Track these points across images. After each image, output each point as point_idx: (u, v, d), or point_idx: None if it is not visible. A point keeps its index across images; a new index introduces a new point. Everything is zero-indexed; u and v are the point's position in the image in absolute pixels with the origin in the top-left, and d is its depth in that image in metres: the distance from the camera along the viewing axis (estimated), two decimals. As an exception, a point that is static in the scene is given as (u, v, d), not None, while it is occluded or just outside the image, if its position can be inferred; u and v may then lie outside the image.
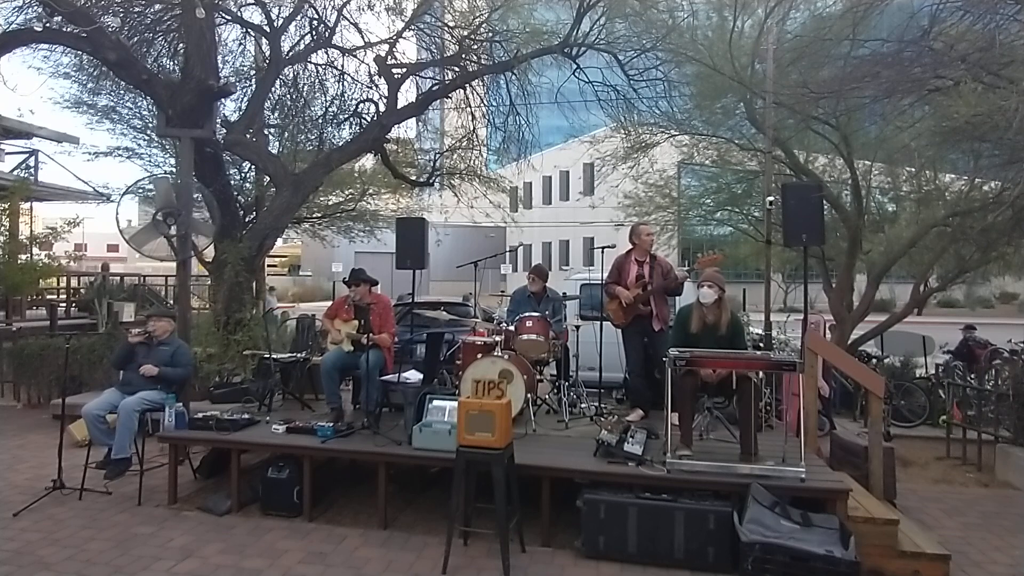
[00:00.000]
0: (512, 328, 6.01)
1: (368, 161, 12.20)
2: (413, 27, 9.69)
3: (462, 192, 11.79)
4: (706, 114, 9.73)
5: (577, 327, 6.64)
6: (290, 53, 8.89)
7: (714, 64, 8.12)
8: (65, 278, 13.52)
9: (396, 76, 9.04)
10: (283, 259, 41.49)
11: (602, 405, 6.08)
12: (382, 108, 9.20)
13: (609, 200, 12.89)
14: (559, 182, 35.21)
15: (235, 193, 9.68)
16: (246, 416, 5.44)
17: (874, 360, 8.68)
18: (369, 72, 9.66)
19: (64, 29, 6.88)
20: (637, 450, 4.45)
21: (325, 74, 9.77)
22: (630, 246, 5.99)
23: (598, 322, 6.28)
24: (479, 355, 5.63)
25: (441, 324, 7.05)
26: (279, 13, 8.57)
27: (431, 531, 4.60)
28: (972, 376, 7.60)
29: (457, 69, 9.36)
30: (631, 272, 5.85)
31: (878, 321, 9.10)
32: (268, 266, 14.71)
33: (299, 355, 6.62)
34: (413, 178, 11.20)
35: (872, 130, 8.89)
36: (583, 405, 6.16)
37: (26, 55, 8.61)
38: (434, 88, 9.79)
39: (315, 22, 8.84)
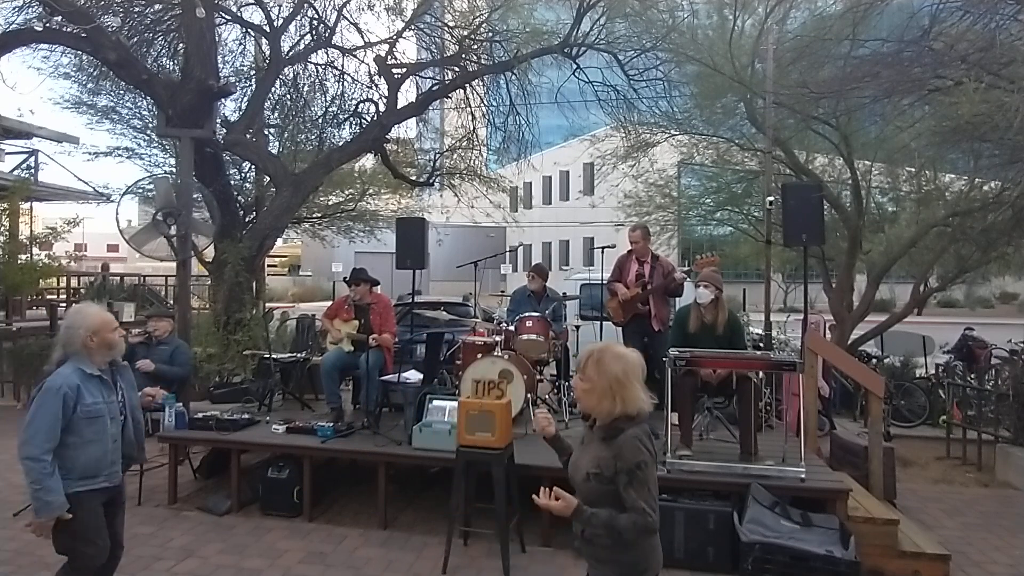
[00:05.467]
0: (512, 328, 6.01)
1: (368, 161, 12.20)
2: (413, 27, 9.70)
3: (462, 192, 11.79)
4: (706, 114, 9.72)
5: (577, 327, 6.64)
6: (290, 53, 8.89)
7: (714, 64, 8.12)
8: (65, 278, 13.53)
9: (396, 76, 9.04)
10: (283, 259, 41.45)
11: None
12: (382, 108, 9.21)
13: (609, 200, 12.89)
14: (559, 182, 35.19)
15: (235, 193, 9.68)
16: (246, 416, 5.44)
17: (874, 360, 8.68)
18: (369, 72, 9.68)
19: (64, 29, 6.89)
20: (637, 450, 4.45)
21: (325, 74, 9.80)
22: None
23: (598, 322, 6.28)
24: (479, 355, 5.63)
25: (441, 324, 7.04)
26: (279, 13, 8.59)
27: (431, 531, 4.60)
28: (972, 376, 7.60)
29: (457, 69, 9.36)
30: (631, 271, 5.86)
31: (878, 321, 9.09)
32: (268, 266, 14.71)
33: (299, 355, 6.62)
34: (413, 178, 11.20)
35: (872, 130, 8.88)
36: (583, 405, 6.14)
37: (26, 55, 8.61)
38: (434, 88, 9.79)
39: (315, 22, 8.85)
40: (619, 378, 2.14)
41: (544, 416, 2.52)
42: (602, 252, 6.30)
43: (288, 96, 9.81)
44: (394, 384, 5.59)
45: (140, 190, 10.37)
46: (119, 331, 3.03)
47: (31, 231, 11.63)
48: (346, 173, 11.87)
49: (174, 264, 6.76)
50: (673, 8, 8.82)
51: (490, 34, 9.31)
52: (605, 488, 2.14)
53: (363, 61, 9.70)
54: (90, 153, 11.97)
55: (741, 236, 11.67)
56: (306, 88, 9.75)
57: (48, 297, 13.63)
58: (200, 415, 5.36)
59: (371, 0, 8.60)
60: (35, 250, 11.63)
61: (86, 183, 13.81)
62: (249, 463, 5.58)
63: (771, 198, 7.56)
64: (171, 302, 12.48)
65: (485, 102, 10.52)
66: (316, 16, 8.78)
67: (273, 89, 9.15)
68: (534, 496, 2.24)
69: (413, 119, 10.24)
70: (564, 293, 7.09)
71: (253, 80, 9.63)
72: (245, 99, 9.37)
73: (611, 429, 2.16)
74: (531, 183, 35.37)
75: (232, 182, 9.84)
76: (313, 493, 4.93)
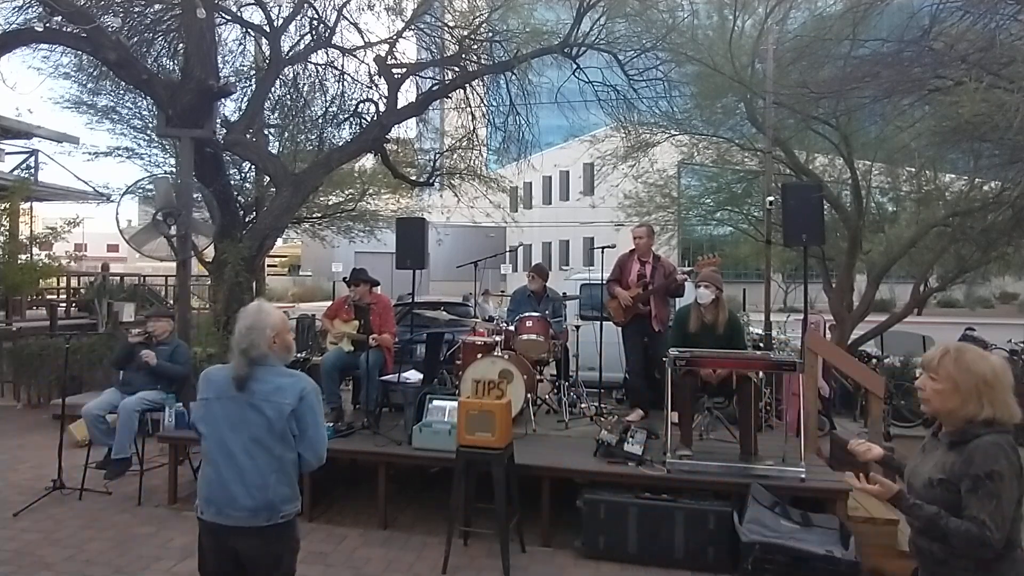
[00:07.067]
0: (512, 328, 6.01)
1: (368, 161, 12.22)
2: (413, 27, 9.71)
3: (462, 192, 11.80)
4: (706, 114, 9.73)
5: (577, 327, 6.64)
6: (290, 53, 8.90)
7: (714, 64, 8.12)
8: (65, 278, 13.52)
9: (396, 76, 9.05)
10: (283, 259, 41.48)
11: (602, 405, 6.08)
12: (382, 108, 9.21)
13: (609, 200, 12.89)
14: (559, 182, 35.20)
15: (235, 193, 9.70)
16: (246, 416, 5.43)
17: (874, 360, 8.67)
18: (369, 72, 9.70)
19: (64, 29, 6.89)
20: (637, 450, 4.45)
21: (325, 74, 9.81)
22: (632, 246, 6.02)
23: (598, 322, 6.29)
24: (479, 355, 5.63)
25: (441, 324, 7.04)
26: (279, 13, 8.60)
27: (431, 531, 4.60)
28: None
29: (457, 69, 9.37)
30: (632, 271, 5.86)
31: (878, 321, 9.09)
32: (268, 266, 14.71)
33: (299, 355, 6.61)
34: (413, 178, 11.21)
35: (872, 130, 8.88)
36: (583, 405, 6.15)
37: (26, 55, 8.63)
38: (434, 88, 9.80)
39: (315, 22, 8.86)
40: (988, 379, 1.96)
41: (862, 444, 2.31)
42: (602, 252, 6.29)
43: (288, 96, 9.82)
44: (394, 384, 5.59)
45: (140, 190, 10.38)
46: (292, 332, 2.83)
47: (31, 231, 11.63)
48: (346, 173, 11.89)
49: (174, 264, 6.76)
50: (673, 8, 8.83)
51: (490, 34, 9.33)
52: (953, 497, 1.94)
53: (363, 61, 9.74)
54: (90, 153, 12.03)
55: (741, 236, 11.67)
56: (306, 88, 9.77)
57: (48, 297, 13.63)
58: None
59: (371, 0, 8.62)
60: (35, 250, 11.64)
61: (86, 183, 13.81)
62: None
63: (771, 198, 7.56)
64: (171, 302, 12.48)
65: (485, 102, 10.53)
66: (316, 16, 8.79)
67: (273, 89, 9.17)
68: (848, 477, 2.10)
69: (413, 119, 10.26)
70: (564, 293, 7.09)
71: (253, 80, 9.64)
72: (245, 99, 9.38)
73: (964, 433, 1.98)
74: (531, 183, 35.38)
75: (232, 182, 9.86)
76: (313, 493, 4.92)
